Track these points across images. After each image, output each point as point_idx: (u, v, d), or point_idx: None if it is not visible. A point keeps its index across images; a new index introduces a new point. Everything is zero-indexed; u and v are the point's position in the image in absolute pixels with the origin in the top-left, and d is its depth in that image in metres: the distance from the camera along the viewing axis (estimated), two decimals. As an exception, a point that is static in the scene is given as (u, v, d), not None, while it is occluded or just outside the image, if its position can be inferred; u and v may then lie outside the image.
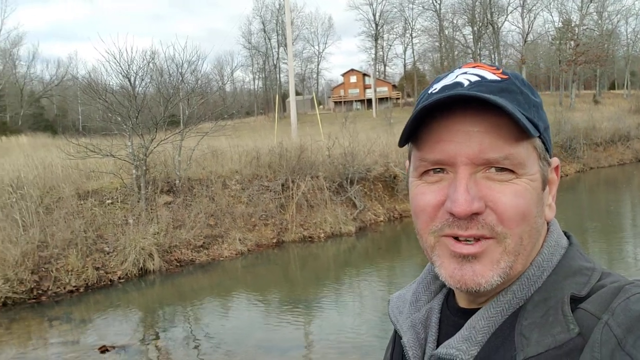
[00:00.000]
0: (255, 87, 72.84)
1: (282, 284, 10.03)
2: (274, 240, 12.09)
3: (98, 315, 8.23)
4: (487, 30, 53.42)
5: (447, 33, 58.47)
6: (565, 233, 0.81)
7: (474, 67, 0.77)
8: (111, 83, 14.38)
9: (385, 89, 63.41)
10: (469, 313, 0.76)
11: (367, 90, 63.17)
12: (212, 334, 7.27)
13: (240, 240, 11.52)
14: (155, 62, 15.22)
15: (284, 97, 54.72)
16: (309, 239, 12.43)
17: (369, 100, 59.76)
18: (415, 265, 10.72)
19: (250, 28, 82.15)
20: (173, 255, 10.55)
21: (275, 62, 64.93)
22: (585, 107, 42.00)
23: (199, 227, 11.30)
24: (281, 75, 64.67)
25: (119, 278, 9.66)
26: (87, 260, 9.58)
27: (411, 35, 63.82)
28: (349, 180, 13.67)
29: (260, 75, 69.64)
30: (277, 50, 64.28)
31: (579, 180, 22.44)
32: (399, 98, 63.18)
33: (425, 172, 0.74)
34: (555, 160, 0.79)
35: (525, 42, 53.20)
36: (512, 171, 0.70)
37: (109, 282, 9.54)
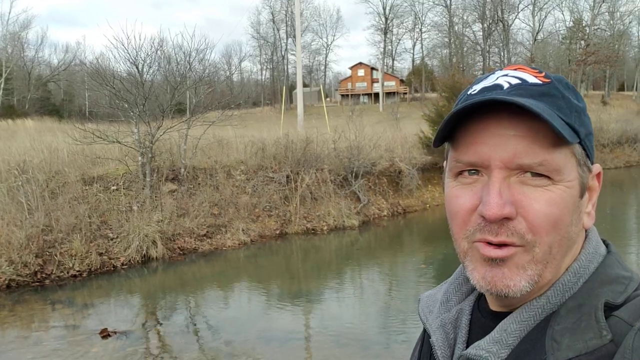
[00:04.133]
0: (263, 77, 72.75)
1: (283, 275, 10.03)
2: (277, 232, 12.09)
3: (100, 301, 8.27)
4: (497, 28, 53.04)
5: (457, 29, 58.15)
6: (604, 241, 0.80)
7: (515, 69, 0.76)
8: (119, 69, 14.38)
9: (393, 83, 63.15)
10: (500, 316, 0.76)
11: (375, 84, 62.95)
12: (212, 322, 7.30)
13: (243, 230, 11.53)
14: (163, 49, 15.19)
15: (291, 88, 54.59)
16: (312, 232, 12.42)
17: (376, 94, 59.61)
18: (417, 261, 10.74)
19: (260, 18, 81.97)
20: (176, 244, 10.58)
21: (283, 53, 64.80)
22: (593, 107, 41.77)
23: (202, 216, 11.33)
24: (289, 67, 64.53)
25: (122, 264, 9.70)
26: (90, 245, 9.63)
27: (421, 30, 63.63)
28: (353, 174, 13.66)
29: (268, 66, 69.60)
30: (285, 41, 64.15)
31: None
32: (406, 93, 62.87)
33: (460, 173, 0.74)
34: (597, 167, 0.77)
35: (535, 40, 52.85)
36: (548, 177, 0.69)
37: (112, 268, 9.58)
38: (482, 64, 57.31)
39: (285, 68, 64.74)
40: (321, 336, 6.74)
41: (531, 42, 53.31)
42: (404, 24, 64.51)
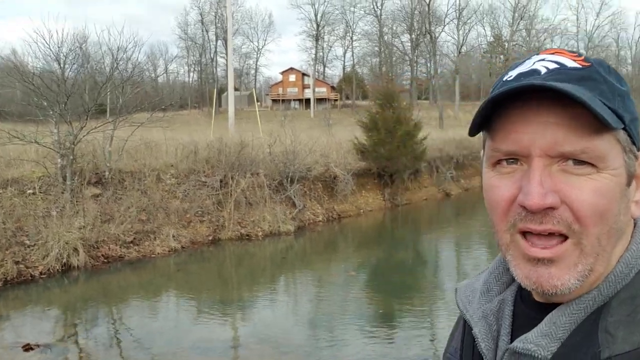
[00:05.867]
0: (190, 79, 70.91)
1: (216, 283, 9.86)
2: (210, 238, 11.83)
3: (18, 312, 7.78)
4: (425, 39, 54.87)
5: (386, 39, 59.61)
6: None
7: (553, 53, 0.73)
8: (37, 65, 13.48)
9: (324, 89, 63.72)
10: (545, 307, 0.74)
11: (306, 90, 63.23)
12: (138, 334, 7.00)
13: (173, 236, 11.17)
14: (86, 46, 14.42)
15: (221, 91, 53.72)
16: (247, 237, 12.25)
17: (307, 100, 59.87)
18: (351, 267, 10.82)
19: (187, 19, 79.79)
20: (100, 251, 10.05)
21: (212, 55, 63.71)
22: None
23: (129, 221, 10.82)
24: (218, 70, 63.63)
25: (41, 273, 9.08)
26: (6, 253, 8.93)
27: (351, 38, 64.44)
28: (289, 179, 13.60)
29: (196, 68, 68.02)
30: (214, 43, 63.09)
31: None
32: (337, 100, 63.66)
33: (499, 162, 0.71)
34: None
35: (459, 53, 55.18)
36: (592, 165, 0.66)
37: (30, 277, 8.95)
38: (409, 73, 59.18)
39: (214, 71, 63.78)
40: (254, 345, 6.64)
41: (456, 55, 55.63)
42: (335, 32, 65.16)
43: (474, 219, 16.36)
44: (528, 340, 0.71)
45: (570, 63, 0.70)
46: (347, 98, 63.48)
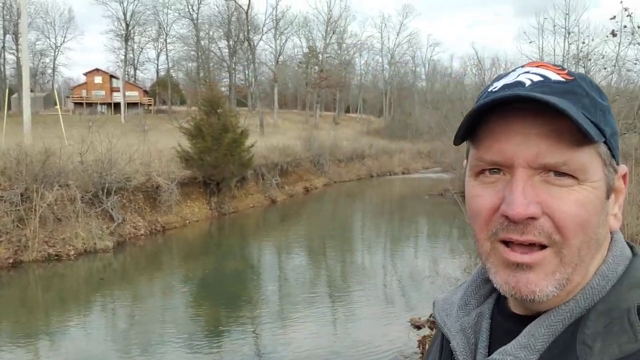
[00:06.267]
0: (-32, 77, 61.05)
1: (18, 312, 8.75)
2: (10, 261, 10.49)
3: None
4: (243, 46, 55.18)
5: (203, 44, 58.55)
6: (628, 243, 0.79)
7: (537, 66, 0.75)
8: None
9: (136, 93, 60.12)
10: (523, 319, 0.75)
11: (115, 94, 59.00)
12: None
13: None
14: None
15: (10, 92, 47.43)
16: (56, 258, 11.06)
17: (117, 104, 56.01)
18: (177, 280, 10.47)
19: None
20: None
21: (-1, 51, 55.96)
22: (327, 126, 46.92)
23: None
24: (7, 67, 56.21)
25: None
26: None
27: (166, 40, 61.90)
28: (105, 191, 12.56)
29: (-22, 64, 58.96)
30: (2, 37, 55.53)
31: (325, 192, 24.70)
32: (150, 104, 60.64)
33: (482, 171, 0.73)
34: (622, 168, 0.76)
35: (277, 62, 56.73)
36: (573, 177, 0.68)
37: None
38: (228, 80, 58.94)
39: (2, 69, 56.11)
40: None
41: (274, 63, 57.03)
42: (147, 33, 61.84)
43: (298, 225, 16.84)
44: (507, 353, 0.72)
45: (554, 76, 0.72)
46: (163, 103, 60.91)
